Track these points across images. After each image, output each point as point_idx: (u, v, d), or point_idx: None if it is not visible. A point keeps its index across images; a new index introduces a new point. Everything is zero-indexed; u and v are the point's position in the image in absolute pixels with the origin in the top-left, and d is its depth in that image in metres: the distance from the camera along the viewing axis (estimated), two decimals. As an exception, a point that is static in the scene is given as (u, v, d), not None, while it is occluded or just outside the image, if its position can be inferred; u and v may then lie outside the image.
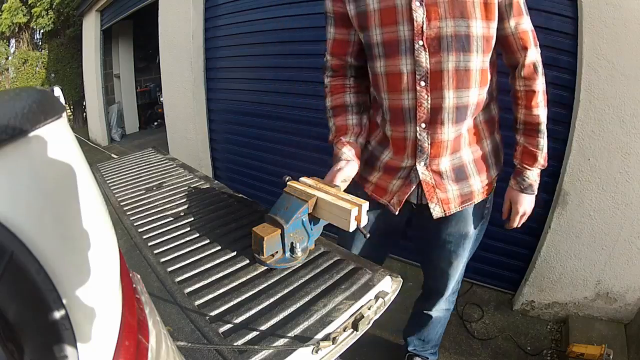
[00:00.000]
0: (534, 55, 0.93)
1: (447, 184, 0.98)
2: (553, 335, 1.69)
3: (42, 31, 7.04)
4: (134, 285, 0.44)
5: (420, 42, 0.87)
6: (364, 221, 0.93)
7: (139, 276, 0.49)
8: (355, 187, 1.08)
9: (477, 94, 0.92)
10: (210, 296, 0.84)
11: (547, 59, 1.57)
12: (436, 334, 1.41)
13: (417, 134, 0.94)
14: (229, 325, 0.75)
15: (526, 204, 1.03)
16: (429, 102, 0.91)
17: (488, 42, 0.89)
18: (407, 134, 0.96)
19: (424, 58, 0.88)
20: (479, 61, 0.89)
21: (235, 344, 0.70)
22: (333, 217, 0.93)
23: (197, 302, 0.82)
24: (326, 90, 1.10)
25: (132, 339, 0.35)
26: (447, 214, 1.01)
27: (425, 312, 1.32)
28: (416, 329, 1.42)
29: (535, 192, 1.02)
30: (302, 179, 1.04)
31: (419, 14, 0.86)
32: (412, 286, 2.01)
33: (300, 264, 0.96)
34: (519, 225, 1.07)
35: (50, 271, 0.26)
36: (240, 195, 1.32)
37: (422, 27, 0.86)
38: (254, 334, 0.73)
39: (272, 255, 0.94)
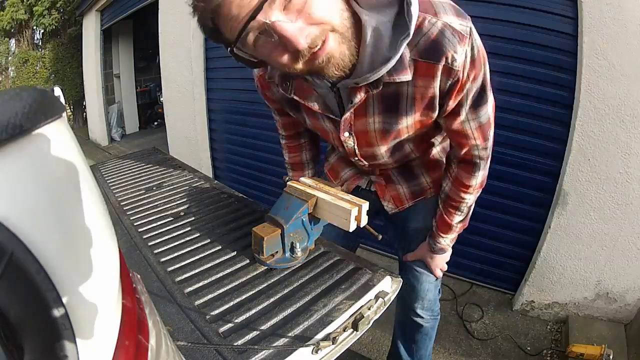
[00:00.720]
0: (475, 151, 0.81)
1: (397, 183, 1.00)
2: (553, 335, 1.69)
3: (42, 31, 7.04)
4: (134, 285, 0.44)
5: (356, 158, 0.90)
6: (364, 221, 0.94)
7: (139, 276, 0.49)
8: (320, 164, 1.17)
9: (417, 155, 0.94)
10: (210, 296, 0.84)
11: (547, 59, 1.58)
12: (426, 350, 1.29)
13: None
14: (229, 325, 0.75)
15: (438, 261, 1.03)
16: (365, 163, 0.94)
17: (422, 136, 0.87)
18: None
19: (361, 163, 0.93)
20: (415, 152, 0.91)
21: (235, 343, 0.70)
22: (333, 217, 0.93)
23: (197, 302, 0.82)
24: (283, 146, 1.15)
25: (132, 339, 0.35)
26: (401, 210, 1.02)
27: (411, 317, 1.21)
28: (404, 343, 1.31)
29: (449, 251, 1.02)
30: (302, 179, 1.04)
31: (350, 144, 0.85)
32: (412, 286, 2.01)
33: (300, 264, 0.96)
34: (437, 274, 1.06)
35: (50, 271, 0.26)
36: (240, 195, 1.32)
37: (354, 150, 0.87)
38: (254, 333, 0.73)
39: (272, 255, 0.94)
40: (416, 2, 0.59)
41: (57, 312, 0.26)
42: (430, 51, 0.63)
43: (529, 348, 1.61)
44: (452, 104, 0.71)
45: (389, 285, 0.92)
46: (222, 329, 0.74)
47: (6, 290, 0.24)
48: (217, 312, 0.79)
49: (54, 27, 6.67)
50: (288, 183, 1.02)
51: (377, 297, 0.86)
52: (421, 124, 0.77)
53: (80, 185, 0.30)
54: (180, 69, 3.05)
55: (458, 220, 0.94)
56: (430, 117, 0.75)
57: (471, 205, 0.92)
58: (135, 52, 6.04)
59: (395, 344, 1.34)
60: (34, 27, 7.03)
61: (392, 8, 0.61)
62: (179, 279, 0.90)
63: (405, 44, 0.60)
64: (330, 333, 0.75)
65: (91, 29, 5.21)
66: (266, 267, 0.95)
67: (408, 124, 0.76)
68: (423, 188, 1.00)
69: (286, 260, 0.95)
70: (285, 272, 0.93)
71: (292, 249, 0.95)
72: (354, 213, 0.89)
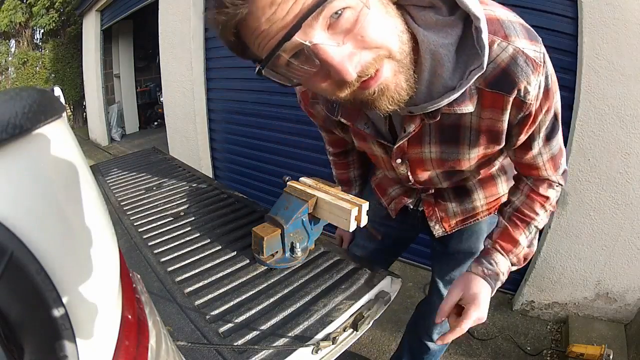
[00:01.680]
0: (546, 177, 0.74)
1: (448, 201, 0.90)
2: (553, 335, 1.69)
3: (42, 31, 7.04)
4: (134, 285, 0.44)
5: (410, 183, 0.82)
6: (364, 221, 0.93)
7: (139, 276, 0.49)
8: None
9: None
10: (210, 296, 0.84)
11: (547, 59, 1.58)
12: None
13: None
14: (229, 325, 0.75)
15: (483, 298, 0.70)
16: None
17: (489, 161, 0.78)
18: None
19: (416, 187, 0.87)
20: (475, 176, 0.83)
21: (235, 343, 0.70)
22: (333, 217, 0.93)
23: (197, 302, 0.82)
24: (330, 162, 1.10)
25: (132, 339, 0.35)
26: (449, 232, 0.93)
27: (423, 341, 1.13)
28: None
29: (494, 291, 0.74)
30: (302, 179, 1.04)
31: (403, 170, 0.77)
32: (412, 286, 2.01)
33: (300, 264, 0.96)
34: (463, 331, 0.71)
35: (50, 271, 0.26)
36: (240, 195, 1.32)
37: (407, 176, 0.79)
38: (254, 333, 0.73)
39: (272, 255, 0.94)
40: (485, 25, 0.49)
41: (57, 312, 0.26)
42: (500, 81, 0.55)
43: (529, 348, 1.61)
44: (522, 138, 0.65)
45: (389, 285, 0.92)
46: (222, 329, 0.74)
47: (6, 290, 0.24)
48: (217, 312, 0.79)
49: (52, 26, 6.66)
50: (288, 183, 1.02)
51: (377, 297, 0.86)
52: (485, 156, 0.70)
53: (80, 185, 0.30)
54: (180, 69, 3.05)
55: (524, 242, 0.75)
56: (496, 149, 0.68)
57: (537, 233, 0.78)
58: (135, 52, 6.04)
59: (399, 359, 1.31)
60: (34, 27, 7.02)
61: (454, 29, 0.52)
62: (179, 279, 0.90)
63: (477, 76, 0.52)
64: (330, 333, 0.75)
65: (91, 29, 5.21)
66: (266, 267, 0.95)
67: (471, 156, 0.68)
68: (475, 207, 0.89)
69: (286, 260, 0.95)
70: (285, 272, 0.93)
71: (292, 249, 0.95)
72: (354, 213, 0.89)
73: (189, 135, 3.19)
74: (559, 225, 1.61)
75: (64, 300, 0.27)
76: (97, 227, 0.31)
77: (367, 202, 0.92)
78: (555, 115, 0.66)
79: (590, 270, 1.60)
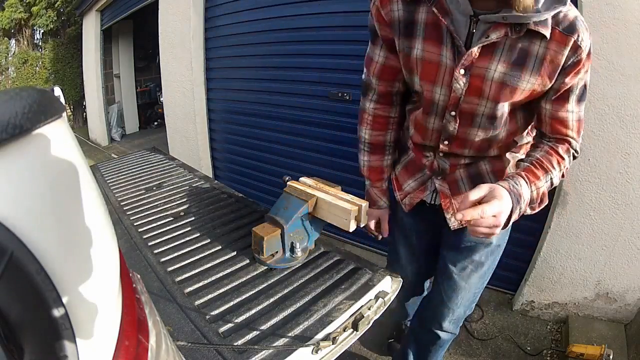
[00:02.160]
0: (571, 142, 0.83)
1: (464, 190, 0.91)
2: (553, 335, 1.69)
3: (42, 31, 7.04)
4: (134, 285, 0.44)
5: (453, 113, 0.82)
6: (364, 221, 0.93)
7: (139, 276, 0.49)
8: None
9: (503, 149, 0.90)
10: (210, 296, 0.84)
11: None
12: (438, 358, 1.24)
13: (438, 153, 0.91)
14: (229, 325, 0.75)
15: (506, 204, 0.70)
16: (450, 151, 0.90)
17: (516, 118, 0.85)
18: (430, 130, 0.91)
19: (451, 127, 0.84)
20: (503, 133, 0.85)
21: (235, 343, 0.70)
22: (333, 217, 0.93)
23: (197, 302, 0.82)
24: (366, 116, 0.99)
25: (132, 339, 0.35)
26: (465, 224, 0.90)
27: (434, 330, 1.14)
28: (416, 353, 1.26)
29: (513, 213, 0.72)
30: (302, 179, 1.04)
31: (459, 86, 0.77)
32: (412, 286, 2.01)
33: (300, 264, 0.96)
34: (483, 232, 0.71)
35: (50, 271, 0.26)
36: (240, 195, 1.32)
37: (458, 99, 0.80)
38: (254, 333, 0.73)
39: (272, 255, 0.94)
40: None
41: (57, 312, 0.26)
42: (567, 25, 0.71)
43: (529, 348, 1.61)
44: (567, 82, 0.76)
45: (389, 285, 0.92)
46: (222, 329, 0.74)
47: (6, 290, 0.24)
48: (217, 312, 0.79)
49: (51, 26, 6.66)
50: (288, 183, 1.02)
51: (377, 297, 0.86)
52: (533, 93, 0.78)
53: (80, 185, 0.30)
54: (180, 69, 3.05)
55: (543, 183, 0.78)
56: (545, 87, 0.77)
57: (549, 188, 0.81)
58: (135, 52, 6.03)
59: (405, 353, 1.30)
60: (34, 27, 7.02)
61: None
62: (179, 279, 0.90)
63: (558, 10, 0.69)
64: (330, 333, 0.75)
65: (91, 29, 5.20)
66: (266, 267, 0.95)
67: (526, 86, 0.75)
68: None
69: (286, 260, 0.95)
70: (285, 272, 0.93)
71: (292, 249, 0.95)
72: (354, 213, 0.90)
73: (189, 135, 3.19)
74: (559, 225, 1.61)
75: (64, 300, 0.27)
76: (97, 227, 0.31)
77: (367, 202, 0.92)
78: (586, 85, 0.80)
79: (590, 270, 1.60)
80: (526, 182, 0.76)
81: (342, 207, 0.90)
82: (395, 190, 1.04)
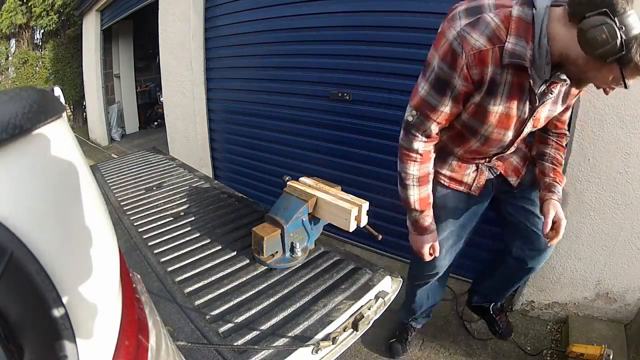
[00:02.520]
0: (566, 133, 1.17)
1: (509, 158, 1.16)
2: (553, 335, 1.68)
3: (42, 31, 7.04)
4: (134, 285, 0.44)
5: (516, 142, 1.06)
6: (364, 221, 0.93)
7: (139, 276, 0.49)
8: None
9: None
10: (210, 296, 0.84)
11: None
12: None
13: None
14: (229, 325, 0.75)
15: (562, 212, 1.08)
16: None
17: None
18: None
19: (508, 150, 1.10)
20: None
21: (235, 343, 0.70)
22: (333, 217, 0.93)
23: (197, 302, 0.82)
24: (414, 155, 1.05)
25: (132, 339, 0.35)
26: (521, 179, 1.18)
27: (529, 267, 1.30)
28: (505, 282, 1.43)
29: None
30: (302, 179, 1.04)
31: (529, 126, 1.00)
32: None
33: (300, 264, 0.96)
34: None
35: (50, 271, 0.26)
36: (240, 195, 1.32)
37: (521, 132, 1.01)
38: (254, 333, 0.73)
39: (272, 255, 0.94)
40: None
41: (57, 312, 0.26)
42: None
43: (529, 348, 1.61)
44: (573, 98, 1.04)
45: (389, 285, 0.92)
46: (222, 329, 0.74)
47: (6, 290, 0.24)
48: (217, 312, 0.79)
49: (52, 27, 6.66)
50: (288, 183, 1.02)
51: (377, 297, 0.86)
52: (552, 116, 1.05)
53: (80, 185, 0.30)
54: (180, 69, 3.05)
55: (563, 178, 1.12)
56: (564, 109, 1.05)
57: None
58: (135, 52, 6.03)
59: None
60: (34, 28, 7.02)
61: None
62: (179, 279, 0.90)
63: None
64: (330, 333, 0.75)
65: (91, 29, 5.20)
66: (266, 267, 0.95)
67: (556, 114, 1.04)
68: (525, 154, 1.20)
69: (286, 260, 0.95)
70: (285, 272, 0.93)
71: (292, 249, 0.95)
72: (354, 213, 0.90)
73: (189, 135, 3.19)
74: (559, 225, 1.61)
75: (64, 300, 0.27)
76: (97, 227, 0.31)
77: (367, 202, 0.92)
78: None
79: (590, 270, 1.60)
80: (559, 185, 1.10)
81: (342, 207, 0.90)
82: (456, 189, 1.16)
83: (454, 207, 1.20)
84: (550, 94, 0.92)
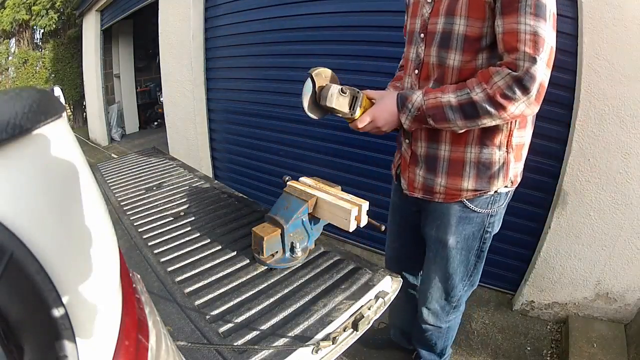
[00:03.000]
0: (521, 61, 0.76)
1: (417, 166, 1.00)
2: (553, 335, 1.68)
3: (42, 31, 7.04)
4: (134, 285, 0.44)
5: (422, 35, 0.94)
6: (364, 221, 0.94)
7: (138, 276, 0.49)
8: None
9: None
10: (210, 296, 0.84)
11: (547, 59, 1.57)
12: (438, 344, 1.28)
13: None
14: (229, 325, 0.75)
15: (380, 110, 0.93)
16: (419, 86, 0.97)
17: (470, 42, 0.84)
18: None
19: (421, 50, 0.95)
20: (457, 60, 0.87)
21: (235, 343, 0.70)
22: (333, 217, 0.93)
23: (197, 302, 0.82)
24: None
25: (132, 339, 0.35)
26: (410, 194, 1.02)
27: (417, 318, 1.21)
28: (414, 335, 1.34)
29: (403, 117, 0.90)
30: (302, 179, 1.04)
31: (426, 10, 0.92)
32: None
33: (300, 264, 0.96)
34: (360, 127, 0.95)
35: (50, 271, 0.26)
36: (240, 195, 1.32)
37: (426, 22, 0.92)
38: (254, 333, 0.73)
39: (272, 255, 0.94)
40: None
41: (57, 312, 0.26)
42: None
43: (529, 348, 1.61)
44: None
45: (389, 285, 0.92)
46: (222, 329, 0.74)
47: (6, 290, 0.24)
48: (217, 312, 0.79)
49: (52, 27, 6.66)
50: (288, 183, 1.02)
51: (377, 297, 0.86)
52: (480, 6, 0.80)
53: (80, 185, 0.30)
54: (180, 69, 3.05)
55: (441, 97, 0.84)
56: (480, 15, 0.80)
57: (468, 105, 0.81)
58: (135, 52, 6.03)
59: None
60: (34, 27, 7.02)
61: None
62: (179, 279, 0.90)
63: None
64: (330, 333, 0.75)
65: (91, 29, 5.20)
66: (266, 267, 0.95)
67: (459, 21, 0.83)
68: (433, 186, 0.97)
69: (286, 260, 0.95)
70: (285, 272, 0.93)
71: (292, 249, 0.95)
72: (354, 213, 0.90)
73: (189, 135, 3.19)
74: (559, 225, 1.61)
75: (64, 299, 0.27)
76: (97, 227, 0.31)
77: (367, 202, 0.92)
78: (546, 4, 0.76)
79: (590, 270, 1.60)
80: (422, 92, 0.88)
81: (342, 207, 0.90)
82: (393, 168, 1.12)
83: (392, 200, 1.18)
84: None
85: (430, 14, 0.91)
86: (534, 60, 0.75)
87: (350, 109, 0.94)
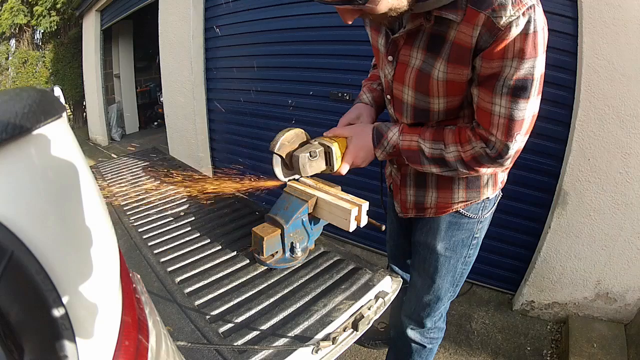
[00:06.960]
0: (491, 137, 0.73)
1: (407, 187, 0.96)
2: (553, 335, 1.68)
3: (42, 31, 7.04)
4: (134, 285, 0.44)
5: (389, 97, 0.88)
6: (364, 221, 0.94)
7: (139, 276, 0.49)
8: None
9: None
10: (210, 296, 0.84)
11: (547, 59, 1.57)
12: None
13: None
14: (229, 325, 0.75)
15: (355, 147, 0.88)
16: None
17: (451, 110, 0.81)
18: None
19: (390, 110, 0.91)
20: (440, 114, 0.83)
21: (235, 344, 0.70)
22: (333, 217, 0.93)
23: (197, 302, 0.82)
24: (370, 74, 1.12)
25: (132, 339, 0.35)
26: (405, 216, 1.00)
27: (396, 331, 1.15)
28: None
29: (379, 152, 0.87)
30: (302, 179, 1.04)
31: (389, 72, 0.83)
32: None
33: (300, 264, 0.96)
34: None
35: (50, 271, 0.26)
36: (241, 195, 1.32)
37: (390, 85, 0.85)
38: (254, 334, 0.73)
39: (272, 255, 0.94)
40: None
41: (57, 312, 0.26)
42: (480, 0, 0.63)
43: (529, 348, 1.61)
44: (485, 68, 0.67)
45: (389, 285, 0.92)
46: (222, 329, 0.74)
47: (6, 290, 0.24)
48: (217, 312, 0.79)
49: (54, 28, 6.66)
50: (288, 183, 1.02)
51: (377, 297, 0.86)
52: (455, 85, 0.73)
53: (80, 185, 0.30)
54: (180, 69, 3.05)
55: (423, 143, 0.81)
56: (464, 76, 0.71)
57: (440, 162, 0.80)
58: (135, 52, 6.03)
59: None
60: (34, 27, 7.02)
61: None
62: (179, 279, 0.90)
63: None
64: (330, 333, 0.75)
65: (91, 29, 5.20)
66: (266, 267, 0.95)
67: (439, 75, 0.73)
68: (424, 202, 0.95)
69: (286, 261, 0.95)
70: (285, 272, 0.93)
71: (292, 249, 0.95)
72: (354, 213, 0.90)
73: (189, 135, 3.19)
74: (559, 225, 1.61)
75: (64, 300, 0.27)
76: (97, 227, 0.31)
77: (367, 202, 0.92)
78: (532, 78, 0.67)
79: (590, 270, 1.60)
80: (399, 130, 0.84)
81: (342, 207, 0.90)
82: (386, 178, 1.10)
83: (388, 200, 1.13)
84: (403, 28, 0.74)
85: (394, 78, 0.83)
86: (506, 146, 0.73)
87: (327, 165, 0.89)
